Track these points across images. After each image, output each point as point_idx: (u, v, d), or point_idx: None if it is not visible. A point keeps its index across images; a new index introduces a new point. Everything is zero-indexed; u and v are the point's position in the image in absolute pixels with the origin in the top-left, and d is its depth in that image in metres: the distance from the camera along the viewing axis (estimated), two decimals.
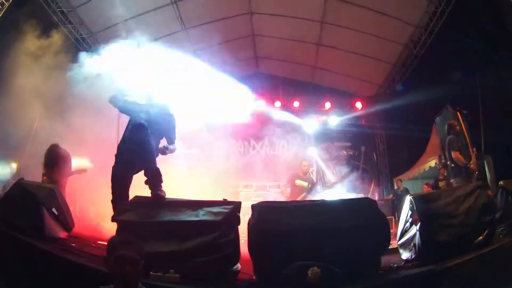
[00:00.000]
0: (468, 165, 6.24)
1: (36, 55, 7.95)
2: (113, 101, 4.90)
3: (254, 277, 3.70)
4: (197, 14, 10.98)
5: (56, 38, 8.31)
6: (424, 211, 3.94)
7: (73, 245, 4.25)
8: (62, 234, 4.39)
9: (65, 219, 4.49)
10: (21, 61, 7.87)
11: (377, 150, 14.39)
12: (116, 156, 4.73)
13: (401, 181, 12.13)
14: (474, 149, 6.82)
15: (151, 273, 3.30)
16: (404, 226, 4.34)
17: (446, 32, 9.59)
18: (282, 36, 12.45)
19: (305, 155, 12.32)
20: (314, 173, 13.25)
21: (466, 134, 6.72)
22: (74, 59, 8.25)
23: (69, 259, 3.44)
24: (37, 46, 7.94)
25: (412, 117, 11.85)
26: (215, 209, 3.82)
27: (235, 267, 3.73)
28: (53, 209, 4.24)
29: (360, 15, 10.40)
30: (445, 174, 9.50)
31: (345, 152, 14.05)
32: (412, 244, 4.02)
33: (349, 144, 14.32)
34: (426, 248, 3.77)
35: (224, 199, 4.01)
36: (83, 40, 10.41)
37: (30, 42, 7.88)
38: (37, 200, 4.03)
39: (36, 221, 3.90)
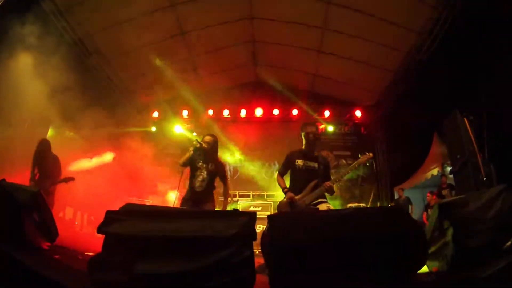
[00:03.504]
0: None
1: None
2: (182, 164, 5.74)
3: None
4: (196, 18, 10.70)
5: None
6: (456, 218, 3.63)
7: (56, 257, 3.80)
8: (44, 244, 3.98)
9: (47, 227, 4.09)
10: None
11: (377, 159, 14.14)
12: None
13: (403, 190, 11.93)
14: (481, 155, 6.60)
15: None
16: (432, 235, 4.00)
17: (449, 38, 9.40)
18: (282, 42, 12.26)
19: None
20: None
21: (473, 140, 6.49)
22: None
23: (49, 279, 2.87)
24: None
25: (413, 125, 11.68)
26: (225, 222, 3.19)
27: None
28: (34, 215, 3.86)
29: (362, 22, 10.19)
30: (447, 182, 9.67)
31: (344, 161, 13.79)
32: (443, 253, 3.69)
33: (348, 153, 14.05)
34: (459, 257, 3.42)
35: (234, 210, 3.53)
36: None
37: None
38: (17, 204, 3.63)
39: (14, 227, 3.52)
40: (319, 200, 5.03)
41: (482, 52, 8.59)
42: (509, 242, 3.40)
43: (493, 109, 7.57)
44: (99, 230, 3.12)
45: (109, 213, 3.25)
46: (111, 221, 3.19)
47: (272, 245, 3.12)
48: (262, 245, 3.32)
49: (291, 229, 3.16)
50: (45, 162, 6.94)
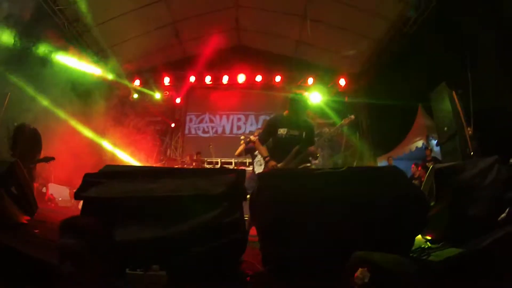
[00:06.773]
0: None
1: None
2: None
3: (261, 267, 2.78)
4: None
5: None
6: (454, 184, 3.47)
7: (36, 231, 3.56)
8: (23, 218, 3.65)
9: (27, 201, 3.77)
10: None
11: (360, 128, 14.18)
12: None
13: (393, 158, 12.02)
14: (469, 129, 6.66)
15: (127, 270, 2.39)
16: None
17: (437, 13, 9.30)
18: (266, 7, 11.94)
19: None
20: None
21: (461, 114, 6.52)
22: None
23: (29, 255, 2.50)
24: None
25: (397, 96, 11.66)
26: (211, 180, 2.85)
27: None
28: (12, 189, 3.54)
29: None
30: (432, 155, 9.80)
31: (327, 129, 13.74)
32: (439, 221, 3.44)
33: (331, 121, 13.99)
34: (458, 226, 3.28)
35: (222, 166, 3.13)
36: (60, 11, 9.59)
37: None
38: None
39: None
40: (304, 165, 4.62)
41: (468, 29, 8.55)
42: (504, 214, 3.38)
43: (479, 84, 7.62)
44: (77, 195, 2.82)
45: (87, 176, 2.91)
46: (90, 185, 2.87)
47: (262, 210, 2.78)
48: (252, 209, 2.89)
49: (285, 190, 2.81)
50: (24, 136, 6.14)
